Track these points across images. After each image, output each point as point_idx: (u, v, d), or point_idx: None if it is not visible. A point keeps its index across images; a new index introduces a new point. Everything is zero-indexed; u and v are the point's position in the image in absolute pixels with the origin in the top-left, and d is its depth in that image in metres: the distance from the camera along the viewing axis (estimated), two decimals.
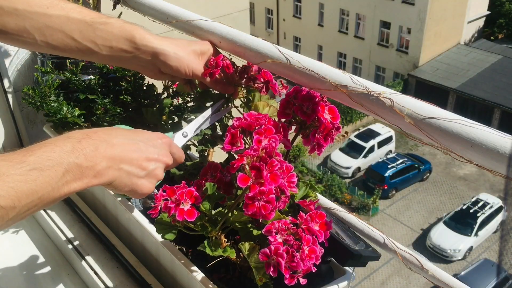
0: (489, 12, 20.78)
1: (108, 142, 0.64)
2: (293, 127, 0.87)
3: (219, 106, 0.95)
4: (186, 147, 1.13)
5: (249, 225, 0.78)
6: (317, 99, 0.82)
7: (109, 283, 1.04)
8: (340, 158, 15.24)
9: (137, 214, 1.00)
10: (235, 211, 0.75)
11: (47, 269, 1.16)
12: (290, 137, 0.86)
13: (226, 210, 0.75)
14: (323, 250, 0.69)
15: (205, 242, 0.75)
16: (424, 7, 17.37)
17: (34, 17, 0.78)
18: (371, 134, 15.72)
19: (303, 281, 0.67)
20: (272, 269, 0.66)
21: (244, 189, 0.66)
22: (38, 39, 0.79)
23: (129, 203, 1.04)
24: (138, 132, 0.72)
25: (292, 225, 0.69)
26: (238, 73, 0.90)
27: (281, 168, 0.67)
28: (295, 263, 0.65)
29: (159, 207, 0.70)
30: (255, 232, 0.77)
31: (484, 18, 20.71)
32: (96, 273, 1.07)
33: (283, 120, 0.85)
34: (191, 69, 0.86)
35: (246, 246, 0.73)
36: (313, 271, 0.67)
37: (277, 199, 0.66)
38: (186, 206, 0.69)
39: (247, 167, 0.66)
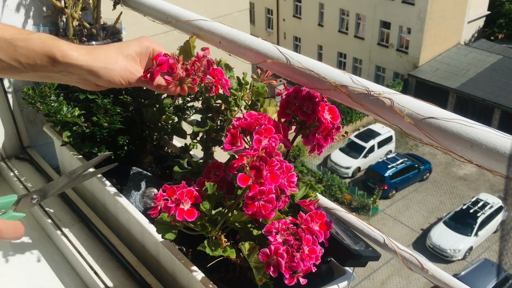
0: (489, 12, 20.77)
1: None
2: (293, 127, 0.87)
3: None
4: (186, 147, 1.13)
5: (249, 225, 0.78)
6: (317, 99, 0.82)
7: (109, 283, 1.04)
8: (340, 158, 15.23)
9: (137, 214, 1.00)
10: (235, 211, 0.75)
11: (47, 269, 1.16)
12: (290, 137, 0.85)
13: (226, 210, 0.75)
14: (323, 250, 0.69)
15: (205, 242, 0.75)
16: (424, 7, 17.37)
17: None
18: (371, 134, 15.71)
19: (303, 281, 0.67)
20: (272, 269, 0.66)
21: (244, 189, 0.66)
22: None
23: (129, 202, 1.04)
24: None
25: (292, 225, 0.69)
26: (184, 71, 0.84)
27: (281, 168, 0.67)
28: (295, 263, 0.65)
29: (159, 207, 0.70)
30: (255, 232, 0.77)
31: (484, 18, 20.70)
32: (96, 273, 1.07)
33: (283, 120, 0.85)
34: (126, 79, 0.80)
35: (246, 246, 0.73)
36: (313, 271, 0.67)
37: (277, 199, 0.66)
38: (186, 206, 0.69)
39: (247, 167, 0.66)
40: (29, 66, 0.75)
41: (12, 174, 1.42)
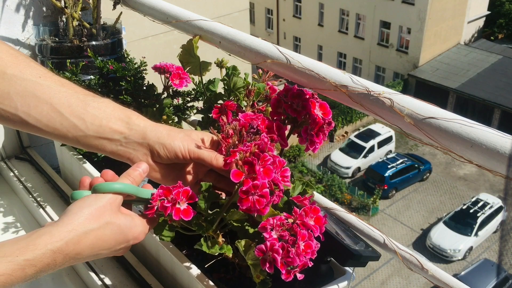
0: (489, 12, 20.79)
1: (72, 262, 0.64)
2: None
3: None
4: None
5: (245, 224, 0.78)
6: (307, 96, 0.81)
7: (109, 283, 1.04)
8: (340, 158, 15.24)
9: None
10: (232, 209, 0.75)
11: None
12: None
13: (222, 208, 0.75)
14: (319, 245, 0.69)
15: (201, 239, 0.75)
16: (424, 7, 17.38)
17: (23, 83, 0.70)
18: (371, 134, 15.72)
19: (300, 276, 0.66)
20: (268, 265, 0.66)
21: (238, 185, 0.67)
22: (20, 109, 0.70)
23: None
24: (107, 240, 0.66)
25: (287, 221, 0.69)
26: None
27: (274, 163, 0.67)
28: (290, 258, 0.65)
29: (155, 207, 0.70)
30: (251, 230, 0.77)
31: (484, 18, 20.72)
32: (96, 273, 1.07)
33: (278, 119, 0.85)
34: (194, 152, 0.74)
35: (242, 244, 0.73)
36: (310, 265, 0.67)
37: (271, 194, 0.66)
38: (183, 205, 0.69)
39: (240, 162, 0.66)
40: (92, 125, 0.72)
41: (12, 174, 1.42)
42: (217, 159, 0.74)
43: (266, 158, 0.67)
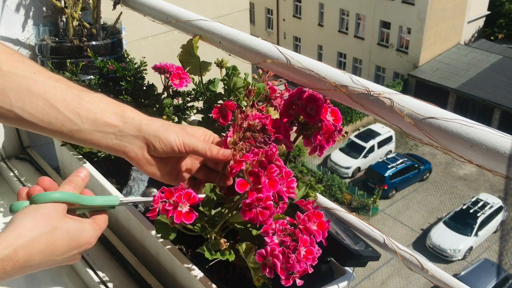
0: (489, 12, 20.78)
1: (22, 271, 0.62)
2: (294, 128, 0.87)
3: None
4: None
5: (249, 225, 0.78)
6: (320, 101, 0.82)
7: (109, 283, 1.04)
8: (340, 158, 15.24)
9: (137, 214, 1.00)
10: (235, 211, 0.75)
11: (47, 269, 1.16)
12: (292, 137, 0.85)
13: (226, 211, 0.75)
14: (320, 251, 0.69)
15: (204, 245, 0.75)
16: (424, 7, 17.37)
17: (17, 79, 0.70)
18: (371, 134, 15.71)
19: (299, 282, 0.66)
20: (268, 270, 0.66)
21: (242, 195, 0.66)
22: (15, 104, 0.69)
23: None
24: (59, 246, 0.65)
25: (289, 226, 0.69)
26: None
27: (280, 174, 0.67)
28: (290, 264, 0.65)
29: (157, 209, 0.69)
30: (254, 232, 0.77)
31: (484, 18, 20.71)
32: (96, 273, 1.07)
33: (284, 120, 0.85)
34: (189, 145, 0.75)
35: (243, 247, 0.73)
36: (310, 272, 0.67)
37: (275, 205, 0.66)
38: (184, 208, 0.69)
39: (245, 173, 0.66)
40: (87, 120, 0.72)
41: (12, 174, 1.42)
42: (211, 150, 0.74)
43: (273, 170, 0.66)
